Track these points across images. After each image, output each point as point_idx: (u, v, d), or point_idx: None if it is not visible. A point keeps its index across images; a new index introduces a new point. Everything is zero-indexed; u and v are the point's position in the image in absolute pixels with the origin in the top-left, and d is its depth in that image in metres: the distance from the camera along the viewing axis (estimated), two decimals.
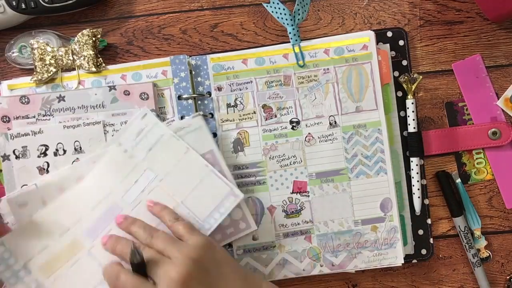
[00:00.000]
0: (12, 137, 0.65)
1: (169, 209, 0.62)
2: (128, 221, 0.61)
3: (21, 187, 0.65)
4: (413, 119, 0.68)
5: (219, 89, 0.68)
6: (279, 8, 0.67)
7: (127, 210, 0.63)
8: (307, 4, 0.68)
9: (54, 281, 0.61)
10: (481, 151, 0.70)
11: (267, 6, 0.67)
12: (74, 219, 0.63)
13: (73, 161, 0.65)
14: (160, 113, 0.67)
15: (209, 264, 0.57)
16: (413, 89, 0.68)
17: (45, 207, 0.63)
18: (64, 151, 0.66)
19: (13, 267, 0.61)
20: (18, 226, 0.63)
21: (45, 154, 0.65)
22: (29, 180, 0.65)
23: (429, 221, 0.69)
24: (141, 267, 0.56)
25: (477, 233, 0.70)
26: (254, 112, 0.68)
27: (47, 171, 0.65)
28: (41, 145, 0.65)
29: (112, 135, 0.66)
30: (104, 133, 0.66)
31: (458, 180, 0.70)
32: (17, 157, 0.65)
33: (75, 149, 0.66)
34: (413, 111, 0.68)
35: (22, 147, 0.65)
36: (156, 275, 0.55)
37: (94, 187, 0.64)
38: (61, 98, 0.66)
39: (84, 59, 0.67)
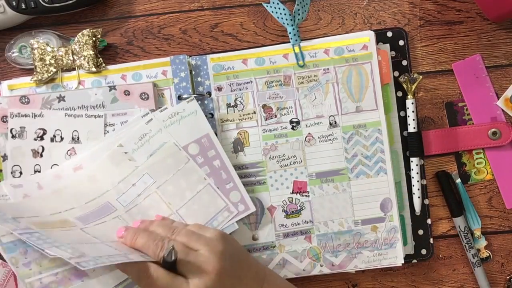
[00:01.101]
0: (12, 116, 0.65)
1: (178, 221, 0.63)
2: (146, 222, 0.61)
3: (12, 167, 0.65)
4: (413, 119, 0.68)
5: (219, 89, 0.68)
6: (279, 8, 0.67)
7: (120, 211, 0.63)
8: (307, 4, 0.68)
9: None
10: (481, 151, 0.70)
11: (267, 6, 0.67)
12: (67, 207, 0.62)
13: (68, 150, 0.65)
14: None
15: (231, 253, 0.58)
16: (413, 89, 0.68)
17: (41, 190, 0.63)
18: (62, 138, 0.65)
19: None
20: (12, 202, 0.62)
21: (41, 138, 0.65)
22: (22, 161, 0.65)
23: (429, 221, 0.69)
24: (172, 263, 0.55)
25: (477, 233, 0.70)
26: (254, 112, 0.68)
27: (41, 155, 0.65)
28: (39, 129, 0.65)
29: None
30: (105, 133, 0.66)
31: (458, 180, 0.70)
32: (13, 136, 0.65)
33: (73, 138, 0.65)
34: (413, 111, 0.68)
35: (20, 127, 0.65)
36: (188, 271, 0.55)
37: (90, 183, 0.64)
38: (61, 98, 0.66)
39: (84, 59, 0.67)
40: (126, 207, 0.63)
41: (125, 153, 0.64)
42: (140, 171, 0.64)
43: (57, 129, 0.65)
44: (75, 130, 0.65)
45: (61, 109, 0.66)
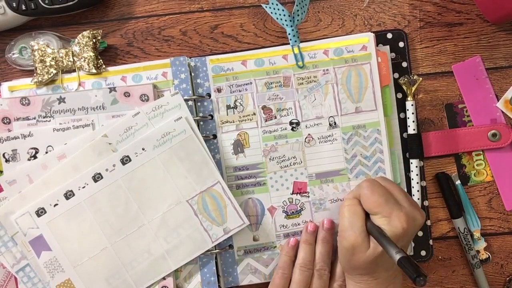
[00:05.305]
0: (2, 141, 0.65)
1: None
2: None
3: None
4: (413, 121, 0.68)
5: (219, 90, 0.68)
6: (278, 9, 0.67)
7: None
8: (306, 4, 0.68)
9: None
10: (481, 152, 0.70)
11: (266, 7, 0.67)
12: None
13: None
14: None
15: None
16: (413, 91, 0.68)
17: (31, 184, 0.65)
18: None
19: (3, 237, 0.64)
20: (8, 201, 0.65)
21: (35, 157, 0.66)
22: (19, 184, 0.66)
23: (428, 222, 0.69)
24: None
25: (477, 234, 0.70)
26: (254, 114, 0.68)
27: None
28: (31, 148, 0.66)
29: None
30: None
31: (458, 182, 0.70)
32: (7, 161, 0.65)
33: None
34: (413, 113, 0.68)
35: (12, 150, 0.65)
36: None
37: (75, 172, 0.65)
38: (61, 100, 0.66)
39: (84, 60, 0.67)
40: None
41: (109, 143, 0.65)
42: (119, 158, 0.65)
43: (49, 145, 0.66)
44: (65, 143, 0.66)
45: (50, 122, 0.66)
